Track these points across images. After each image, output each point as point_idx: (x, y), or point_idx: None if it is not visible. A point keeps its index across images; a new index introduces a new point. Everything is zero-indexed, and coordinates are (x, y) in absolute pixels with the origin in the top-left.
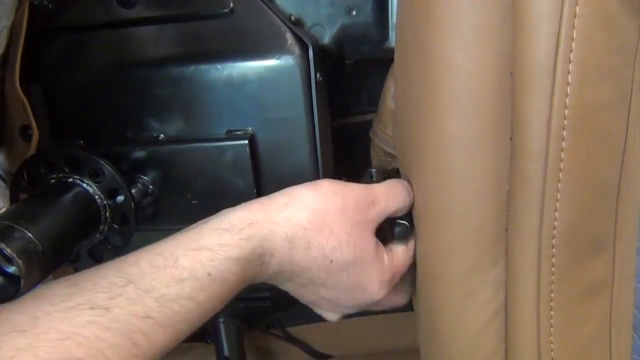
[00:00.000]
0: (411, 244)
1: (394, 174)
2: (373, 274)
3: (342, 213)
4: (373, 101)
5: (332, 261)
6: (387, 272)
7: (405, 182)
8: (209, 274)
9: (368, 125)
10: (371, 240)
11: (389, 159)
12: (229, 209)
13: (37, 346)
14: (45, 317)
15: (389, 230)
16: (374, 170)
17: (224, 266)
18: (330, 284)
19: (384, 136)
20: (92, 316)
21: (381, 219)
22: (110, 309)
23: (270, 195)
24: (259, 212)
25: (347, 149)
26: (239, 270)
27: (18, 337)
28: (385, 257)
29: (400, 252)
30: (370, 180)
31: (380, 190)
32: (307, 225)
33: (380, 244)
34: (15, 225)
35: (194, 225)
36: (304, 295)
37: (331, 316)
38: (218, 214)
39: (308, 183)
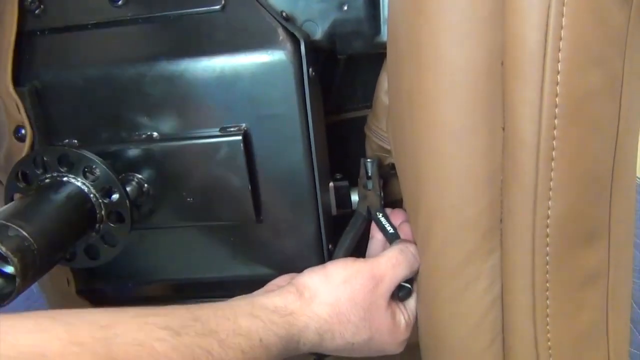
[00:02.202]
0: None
1: (389, 169)
2: (392, 340)
3: (353, 301)
4: (367, 97)
5: (353, 344)
6: (406, 332)
7: (411, 248)
8: (260, 339)
9: (362, 121)
10: (385, 314)
11: (384, 154)
12: (265, 291)
13: (113, 342)
14: (124, 323)
15: (395, 292)
16: (369, 161)
17: (271, 339)
18: (355, 354)
19: (378, 131)
20: (165, 335)
21: (392, 289)
22: (181, 335)
23: (293, 282)
24: (294, 303)
25: (342, 145)
26: (281, 346)
27: (97, 329)
28: (402, 320)
29: (412, 305)
30: (365, 175)
31: (387, 265)
32: (329, 319)
33: (397, 308)
34: (10, 224)
35: (240, 297)
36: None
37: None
38: (258, 292)
39: (319, 271)
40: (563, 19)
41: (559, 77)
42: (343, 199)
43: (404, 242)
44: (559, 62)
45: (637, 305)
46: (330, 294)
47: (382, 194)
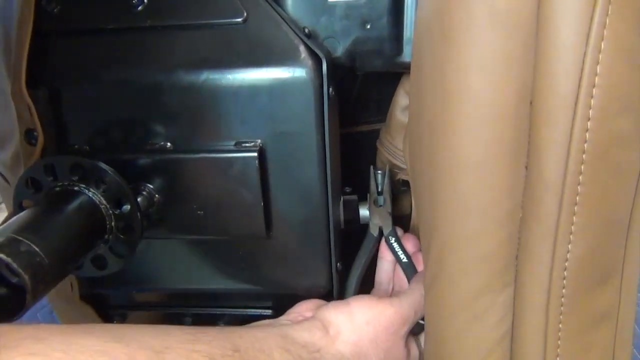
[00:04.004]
0: None
1: (400, 185)
2: None
3: (375, 342)
4: (381, 111)
5: None
6: None
7: None
8: None
9: (374, 134)
10: (402, 352)
11: (395, 170)
12: (292, 321)
13: None
14: (173, 349)
15: None
16: (379, 172)
17: None
18: None
19: (391, 147)
20: None
21: (411, 328)
22: None
23: (320, 316)
24: (321, 340)
25: (352, 157)
26: None
27: (152, 355)
28: (416, 355)
29: (423, 338)
30: (375, 188)
31: (410, 309)
32: (351, 357)
33: (412, 343)
34: (22, 239)
35: (268, 322)
36: None
37: None
38: (285, 322)
39: (343, 308)
40: (598, 67)
41: (589, 123)
42: (352, 213)
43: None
44: (590, 108)
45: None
46: (353, 332)
47: (392, 212)
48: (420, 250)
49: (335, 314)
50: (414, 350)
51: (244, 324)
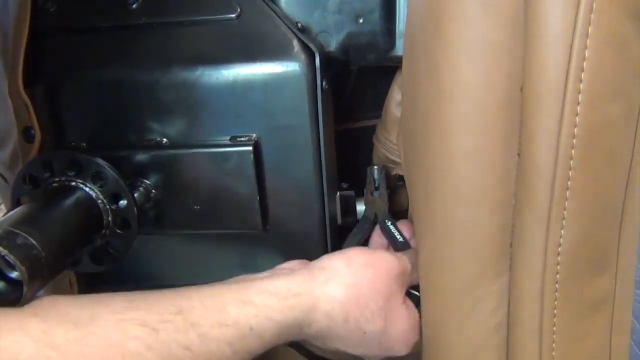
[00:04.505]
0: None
1: (396, 180)
2: (403, 339)
3: (375, 286)
4: (376, 107)
5: (365, 332)
6: (417, 334)
7: None
8: (251, 328)
9: (370, 130)
10: (401, 308)
11: (391, 165)
12: (272, 274)
13: (85, 344)
14: (100, 320)
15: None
16: (376, 168)
17: (265, 325)
18: (361, 350)
19: (387, 143)
20: (141, 333)
21: (407, 286)
22: (158, 331)
23: (309, 266)
24: (302, 285)
25: (349, 153)
26: (277, 332)
27: (71, 329)
28: (415, 320)
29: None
30: (372, 183)
31: (408, 261)
32: (345, 300)
33: (412, 307)
34: (18, 231)
35: (241, 277)
36: (334, 356)
37: None
38: (262, 275)
39: (340, 255)
40: (586, 51)
41: (578, 107)
42: (348, 209)
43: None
44: (579, 93)
45: (637, 320)
46: (350, 275)
47: (388, 202)
48: (414, 236)
49: (330, 257)
50: (413, 314)
51: None
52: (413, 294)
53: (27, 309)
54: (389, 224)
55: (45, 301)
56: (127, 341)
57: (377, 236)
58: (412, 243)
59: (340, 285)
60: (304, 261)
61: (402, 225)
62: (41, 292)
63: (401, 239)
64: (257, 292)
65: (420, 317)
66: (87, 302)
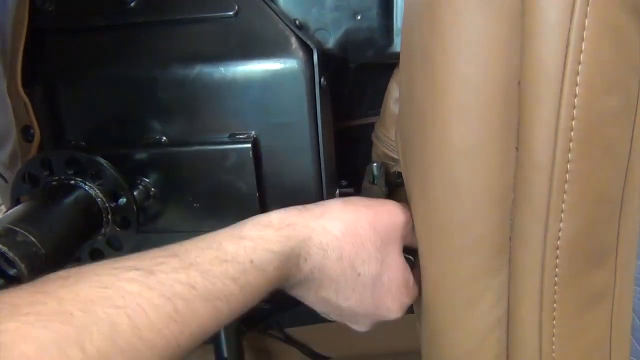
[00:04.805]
0: (416, 273)
1: (395, 177)
2: (397, 295)
3: (374, 227)
4: (375, 104)
5: (359, 274)
6: (412, 295)
7: None
8: (251, 261)
9: (369, 127)
10: (399, 259)
11: (390, 162)
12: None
13: (80, 288)
14: (90, 272)
15: None
16: (375, 165)
17: (264, 257)
18: (353, 300)
19: (386, 140)
20: (137, 276)
21: (405, 239)
22: (155, 273)
23: (304, 205)
24: (296, 217)
25: (348, 151)
26: (278, 265)
27: (63, 281)
28: (411, 279)
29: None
30: (371, 179)
31: (407, 211)
32: (340, 236)
33: (408, 266)
34: (18, 229)
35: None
36: (325, 309)
37: (358, 327)
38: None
39: (340, 198)
40: (583, 43)
41: (576, 100)
42: None
43: None
44: (577, 85)
45: (637, 316)
46: (348, 213)
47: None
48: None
49: (329, 200)
50: (408, 270)
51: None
52: (407, 257)
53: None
54: None
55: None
56: (124, 283)
57: None
58: None
59: (336, 220)
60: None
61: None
62: None
63: None
64: (250, 227)
65: (414, 276)
66: (72, 269)
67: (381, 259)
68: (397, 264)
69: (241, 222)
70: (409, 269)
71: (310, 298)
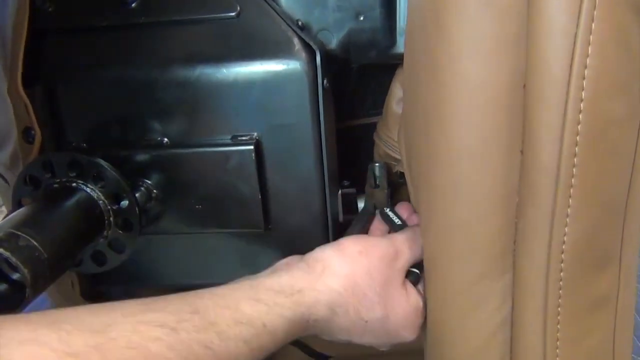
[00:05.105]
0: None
1: (397, 177)
2: (408, 322)
3: (370, 274)
4: (377, 104)
5: (367, 322)
6: (421, 315)
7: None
8: (264, 325)
9: (371, 127)
10: (400, 293)
11: (392, 162)
12: (272, 270)
13: (107, 348)
14: (117, 325)
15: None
16: (377, 165)
17: (277, 322)
18: (367, 339)
19: (388, 140)
20: (161, 334)
21: (406, 268)
22: (178, 331)
23: (304, 258)
24: (302, 279)
25: (350, 151)
26: (287, 329)
27: (90, 336)
28: (417, 302)
29: (422, 290)
30: (373, 181)
31: (403, 241)
32: (343, 291)
33: (411, 289)
34: (20, 234)
35: (245, 278)
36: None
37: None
38: (264, 273)
39: (332, 245)
40: (589, 47)
41: (582, 104)
42: (350, 207)
43: (416, 227)
44: (583, 89)
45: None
46: (344, 265)
47: (389, 195)
48: (414, 212)
49: (322, 249)
50: (414, 296)
51: None
52: (412, 271)
53: (37, 318)
54: (387, 211)
55: (55, 311)
56: (148, 343)
57: (377, 223)
58: (413, 218)
59: (336, 276)
60: (299, 256)
61: (401, 206)
62: (44, 293)
63: (399, 222)
64: (265, 290)
65: (422, 297)
66: (99, 310)
67: (384, 302)
68: (400, 301)
69: (254, 280)
70: (414, 293)
71: (326, 338)
